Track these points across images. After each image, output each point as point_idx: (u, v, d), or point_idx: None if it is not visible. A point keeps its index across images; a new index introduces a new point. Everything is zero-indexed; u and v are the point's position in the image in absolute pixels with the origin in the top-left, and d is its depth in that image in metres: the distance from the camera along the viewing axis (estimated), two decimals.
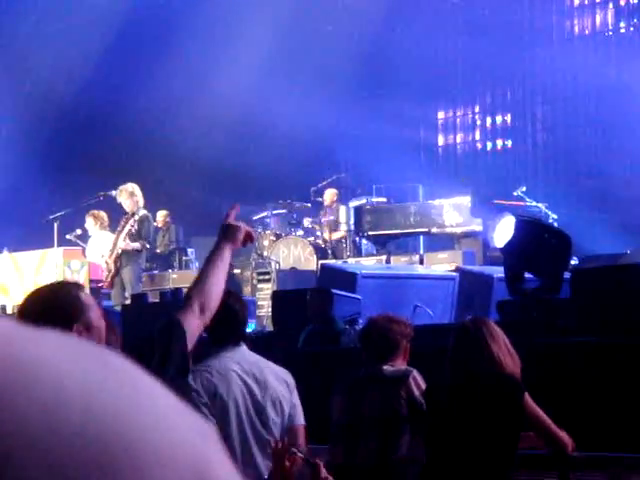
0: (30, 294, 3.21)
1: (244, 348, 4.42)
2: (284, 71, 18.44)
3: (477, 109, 20.36)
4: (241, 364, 4.34)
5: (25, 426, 0.52)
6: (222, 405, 4.23)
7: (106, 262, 11.93)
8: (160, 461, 0.54)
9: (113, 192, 12.99)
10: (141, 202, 12.05)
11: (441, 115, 20.75)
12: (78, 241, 12.85)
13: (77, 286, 3.30)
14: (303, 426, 4.45)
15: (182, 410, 0.58)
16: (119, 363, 0.58)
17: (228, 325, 4.36)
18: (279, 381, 4.40)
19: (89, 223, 12.59)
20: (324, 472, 3.77)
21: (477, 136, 20.39)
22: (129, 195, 11.97)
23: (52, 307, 3.02)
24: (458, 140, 20.63)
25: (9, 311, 11.75)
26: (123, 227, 11.96)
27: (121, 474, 0.52)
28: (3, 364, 0.53)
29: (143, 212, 12.03)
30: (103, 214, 12.63)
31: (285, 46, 18.26)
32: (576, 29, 19.02)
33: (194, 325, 3.33)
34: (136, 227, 11.84)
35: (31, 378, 0.53)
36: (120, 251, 11.87)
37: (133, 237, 11.88)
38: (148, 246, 12.12)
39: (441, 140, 20.81)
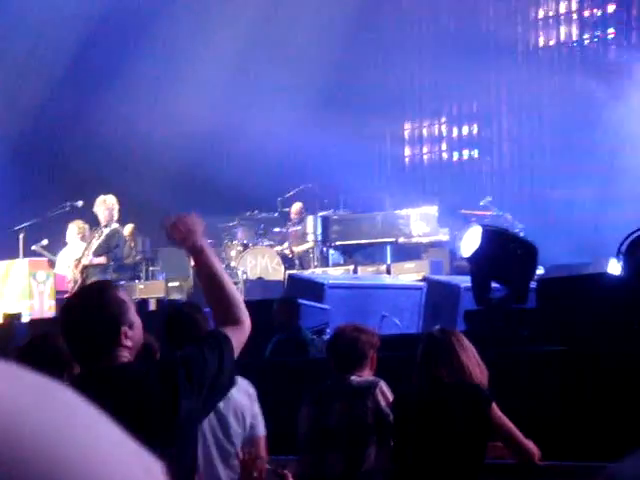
0: (74, 297, 3.23)
1: None
2: (250, 83, 18.45)
3: (443, 119, 20.44)
4: None
5: None
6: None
7: (72, 272, 11.87)
8: None
9: (79, 203, 12.94)
10: (116, 215, 12.01)
11: (407, 127, 20.82)
12: (44, 252, 12.78)
13: (117, 287, 3.33)
14: (264, 437, 4.44)
15: (124, 445, 0.57)
16: (63, 396, 0.56)
17: (186, 336, 4.34)
18: (240, 391, 4.39)
19: (71, 230, 12.53)
20: None
21: (443, 147, 20.47)
22: (106, 207, 11.93)
23: (100, 310, 3.08)
24: (425, 151, 20.71)
25: None
26: (92, 240, 11.91)
27: None
28: None
29: (115, 226, 11.99)
30: (86, 225, 12.57)
31: (250, 59, 18.28)
32: (541, 41, 19.16)
33: (235, 339, 3.32)
34: (104, 240, 11.80)
35: None
36: (87, 262, 11.83)
37: (101, 249, 11.83)
38: (112, 263, 12.05)
39: (408, 151, 20.87)
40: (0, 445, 0.51)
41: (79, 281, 11.80)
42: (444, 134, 20.39)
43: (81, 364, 3.14)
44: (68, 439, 0.53)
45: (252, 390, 4.45)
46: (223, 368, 3.13)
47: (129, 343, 3.11)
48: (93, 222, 12.47)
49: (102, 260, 11.84)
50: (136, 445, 0.57)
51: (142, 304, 11.08)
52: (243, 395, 4.39)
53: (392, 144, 20.75)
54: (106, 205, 11.95)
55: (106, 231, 11.87)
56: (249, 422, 4.38)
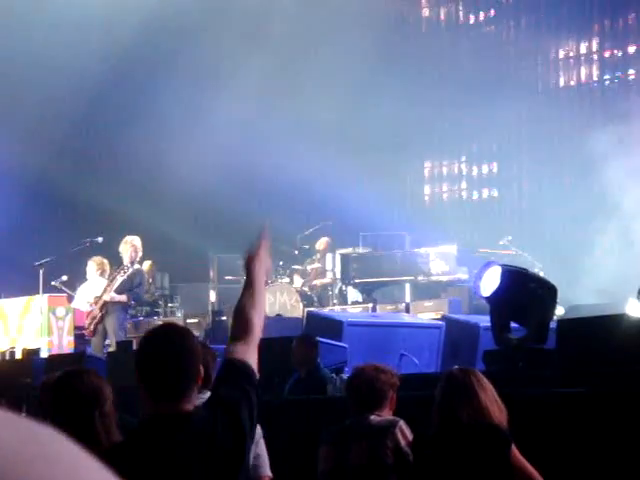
0: (157, 334, 3.27)
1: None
2: (270, 118, 18.53)
3: (463, 158, 20.47)
4: None
5: None
6: None
7: (92, 308, 11.92)
8: None
9: (99, 239, 13.00)
10: (139, 255, 12.16)
11: (428, 165, 20.85)
12: (64, 287, 12.82)
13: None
14: (269, 477, 4.40)
15: None
16: (46, 435, 0.56)
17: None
18: None
19: (90, 267, 12.59)
20: None
21: (463, 185, 20.49)
22: (132, 247, 12.07)
23: (186, 352, 3.15)
24: (444, 189, 20.72)
25: None
26: (115, 277, 11.98)
27: None
28: None
29: (137, 266, 12.14)
30: (105, 261, 12.63)
31: (272, 93, 18.37)
32: (561, 81, 19.20)
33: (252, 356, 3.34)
34: (128, 279, 11.90)
35: None
36: (108, 298, 11.90)
37: (123, 287, 11.90)
38: (133, 302, 12.17)
39: (427, 189, 20.89)
40: None
41: (97, 317, 11.85)
42: (464, 173, 20.41)
43: (153, 404, 3.10)
44: None
45: (257, 430, 4.42)
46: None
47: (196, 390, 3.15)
48: (113, 258, 12.52)
49: (123, 298, 11.90)
50: None
51: None
52: None
53: (412, 182, 20.78)
54: (131, 245, 12.07)
55: (130, 270, 11.96)
56: (251, 463, 4.35)
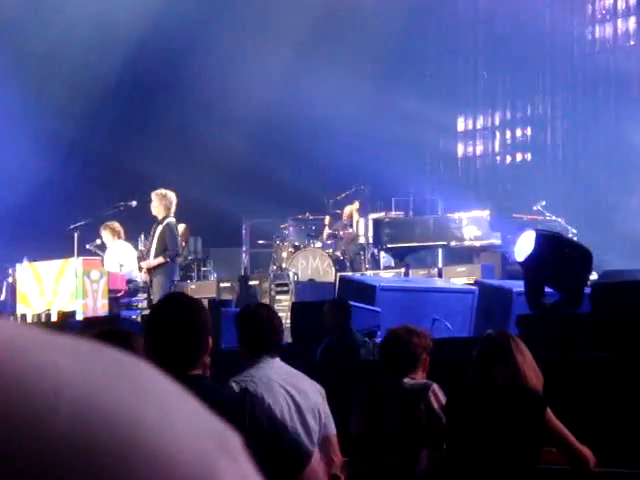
0: (167, 302, 3.38)
1: (279, 359, 4.45)
2: (301, 80, 18.48)
3: (497, 122, 20.33)
4: (280, 374, 4.38)
5: (13, 434, 0.51)
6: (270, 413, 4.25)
7: (141, 276, 12.08)
8: (153, 472, 0.53)
9: (133, 202, 13.04)
10: (172, 209, 12.01)
11: (461, 123, 20.66)
12: (98, 251, 12.89)
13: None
14: (335, 435, 4.49)
15: (198, 415, 0.57)
16: (133, 366, 0.57)
17: (266, 336, 4.40)
18: (315, 391, 4.46)
19: (105, 236, 12.63)
20: None
21: (497, 148, 20.35)
22: (159, 200, 11.96)
23: (194, 319, 3.26)
24: (478, 153, 20.59)
25: (29, 320, 11.77)
26: (153, 235, 11.99)
27: None
28: (2, 369, 0.53)
29: (168, 220, 11.99)
30: (118, 225, 12.66)
31: (310, 50, 18.29)
32: (597, 44, 18.99)
33: None
34: (159, 238, 11.87)
35: (29, 385, 0.52)
36: (145, 266, 11.94)
37: (157, 251, 11.90)
38: (169, 260, 12.03)
39: (460, 150, 20.75)
40: (69, 432, 0.51)
41: (148, 283, 11.98)
42: (497, 137, 20.28)
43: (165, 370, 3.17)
44: (139, 419, 0.53)
45: (323, 390, 4.52)
46: None
47: (207, 358, 3.19)
48: (147, 222, 12.53)
49: (160, 260, 11.88)
50: (213, 419, 0.58)
51: None
52: (317, 394, 4.46)
53: (445, 142, 20.59)
54: (159, 197, 11.98)
55: (159, 228, 11.93)
56: (323, 421, 4.44)
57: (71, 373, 0.54)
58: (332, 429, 4.47)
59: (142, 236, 12.29)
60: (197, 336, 3.19)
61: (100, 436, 0.52)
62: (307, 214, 15.99)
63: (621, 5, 18.62)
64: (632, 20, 18.54)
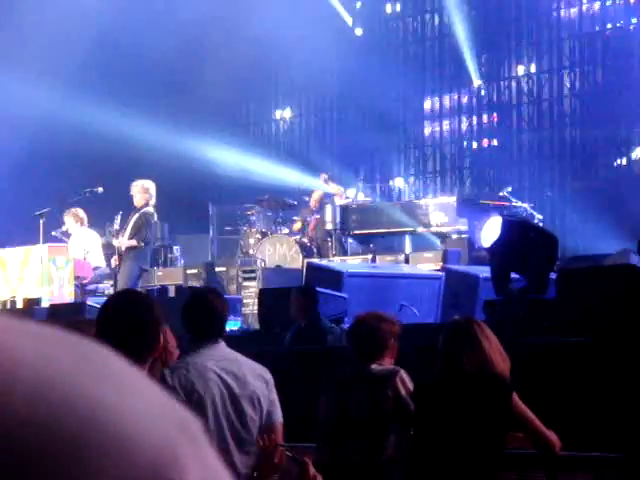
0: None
1: (222, 345, 4.40)
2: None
3: (464, 106, 20.36)
4: (219, 361, 4.33)
5: None
6: (199, 402, 4.21)
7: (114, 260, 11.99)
8: (112, 453, 0.53)
9: (99, 189, 12.97)
10: (152, 201, 11.96)
11: (427, 105, 20.64)
12: (64, 237, 12.81)
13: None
14: (281, 423, 4.43)
15: (159, 400, 0.57)
16: (95, 352, 0.57)
17: (206, 322, 4.36)
18: (257, 378, 4.39)
19: (69, 222, 12.55)
20: (312, 470, 3.76)
21: (463, 135, 20.38)
22: (142, 190, 11.90)
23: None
24: (445, 132, 20.54)
25: None
26: (128, 222, 11.92)
27: (60, 466, 0.51)
28: None
29: (147, 209, 11.94)
30: (82, 212, 12.59)
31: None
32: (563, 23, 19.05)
33: None
34: (135, 222, 11.79)
35: None
36: (117, 244, 11.84)
37: (131, 233, 11.83)
38: (142, 244, 11.96)
39: (428, 130, 20.73)
40: (25, 412, 0.52)
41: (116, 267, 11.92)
42: (464, 124, 20.31)
43: None
44: (98, 401, 0.54)
45: (269, 376, 4.44)
46: None
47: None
48: (112, 208, 12.45)
49: (133, 242, 11.81)
50: (175, 405, 0.58)
51: (161, 291, 11.09)
52: (259, 381, 4.38)
53: (412, 128, 20.57)
54: (141, 188, 11.92)
55: (136, 216, 11.87)
56: (266, 409, 4.37)
57: (31, 355, 0.54)
58: (277, 417, 4.41)
59: (118, 217, 12.16)
60: (142, 334, 3.27)
61: (57, 416, 0.52)
62: (274, 200, 15.96)
63: None
64: (597, 5, 18.64)
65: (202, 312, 4.40)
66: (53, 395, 0.53)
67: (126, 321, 3.32)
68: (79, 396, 0.53)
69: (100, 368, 0.56)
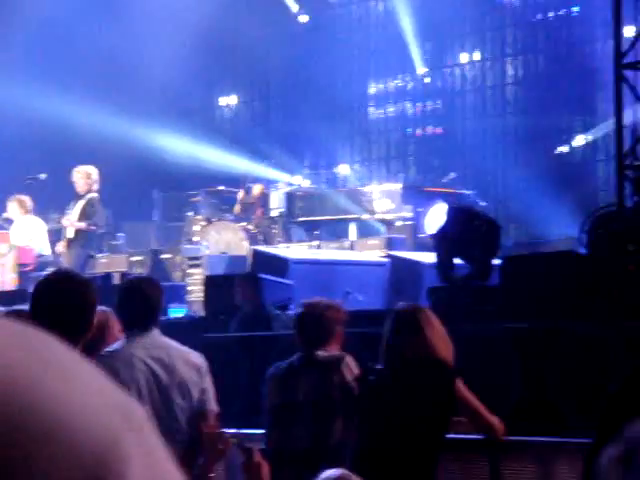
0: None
1: (155, 333, 4.39)
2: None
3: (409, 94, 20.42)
4: (148, 349, 4.32)
5: None
6: (124, 390, 4.21)
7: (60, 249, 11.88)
8: (56, 437, 0.53)
9: (42, 175, 12.84)
10: (95, 186, 11.88)
11: (372, 91, 20.67)
12: (5, 225, 12.67)
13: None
14: (214, 411, 4.41)
15: (103, 388, 0.58)
16: (37, 339, 0.57)
17: (138, 310, 4.36)
18: (188, 365, 4.37)
19: (12, 208, 12.42)
20: (258, 457, 3.78)
21: (408, 122, 20.45)
22: (85, 176, 11.81)
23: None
24: (389, 118, 20.57)
25: None
26: (72, 209, 11.82)
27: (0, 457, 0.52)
28: None
29: (92, 195, 11.86)
30: (28, 199, 12.48)
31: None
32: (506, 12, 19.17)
33: None
34: (83, 208, 11.71)
35: None
36: (72, 233, 11.72)
37: (80, 217, 11.75)
38: (94, 228, 11.89)
39: (373, 113, 20.75)
40: None
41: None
42: (409, 110, 20.38)
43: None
44: (39, 388, 0.54)
45: (202, 362, 4.41)
46: None
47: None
48: (56, 196, 12.35)
49: (82, 225, 11.72)
50: (118, 393, 0.58)
51: (105, 278, 11.01)
52: (190, 369, 4.36)
53: (358, 115, 20.59)
54: (84, 174, 11.84)
55: (83, 200, 11.78)
56: (197, 397, 4.36)
57: None
58: (210, 405, 4.40)
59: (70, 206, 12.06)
60: (76, 316, 3.26)
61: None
62: (219, 188, 15.92)
63: None
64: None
65: (134, 300, 4.39)
66: None
67: (60, 302, 3.31)
68: (19, 383, 0.53)
69: (42, 355, 0.56)
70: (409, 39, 19.07)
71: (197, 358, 4.42)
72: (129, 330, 4.38)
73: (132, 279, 4.94)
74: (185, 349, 4.44)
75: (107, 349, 4.30)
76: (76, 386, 0.56)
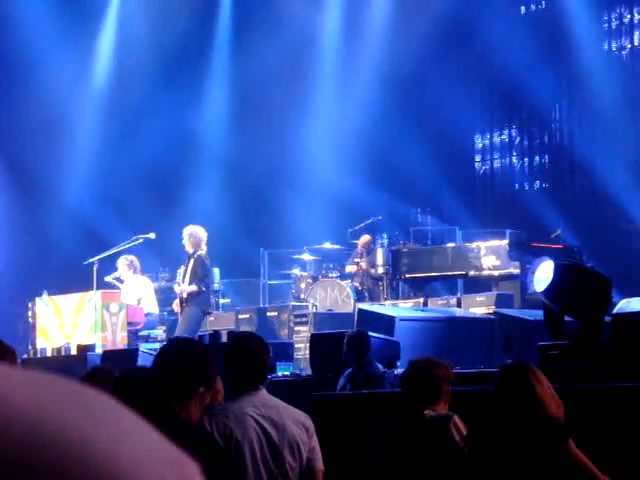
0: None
1: (263, 392, 4.43)
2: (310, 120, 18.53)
3: (514, 151, 20.32)
4: (259, 407, 4.35)
5: None
6: (237, 449, 4.23)
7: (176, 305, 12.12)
8: None
9: (152, 235, 13.09)
10: (202, 245, 12.06)
11: (479, 140, 20.60)
12: (117, 284, 12.93)
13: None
14: (322, 471, 4.42)
15: (155, 444, 0.59)
16: (91, 397, 0.59)
17: (248, 368, 4.39)
18: (297, 425, 4.39)
19: (122, 269, 12.69)
20: None
21: (515, 177, 20.31)
22: (187, 237, 12.04)
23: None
24: (496, 180, 20.50)
25: (49, 353, 11.79)
26: (185, 269, 12.03)
27: None
28: None
29: (199, 253, 12.04)
30: (135, 259, 12.74)
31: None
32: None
33: None
34: (192, 268, 11.90)
35: None
36: (184, 295, 11.92)
37: (191, 278, 11.93)
38: (204, 288, 12.06)
39: (479, 180, 20.70)
40: (18, 455, 0.54)
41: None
42: (516, 165, 20.24)
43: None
44: (90, 442, 0.56)
45: (309, 423, 4.44)
46: None
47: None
48: (165, 254, 12.56)
49: (193, 288, 11.90)
50: (171, 448, 0.59)
51: (214, 336, 11.12)
52: (299, 428, 4.39)
53: (464, 172, 20.54)
54: (187, 235, 12.06)
55: (191, 262, 11.97)
56: (305, 456, 4.37)
57: (25, 402, 0.56)
58: (318, 464, 4.41)
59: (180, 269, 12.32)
60: (189, 383, 3.39)
61: (48, 458, 0.54)
62: (325, 245, 16.00)
63: None
64: None
65: (243, 359, 4.42)
66: (45, 438, 0.55)
67: (178, 371, 3.42)
68: (71, 438, 0.55)
69: (94, 412, 0.58)
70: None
71: (304, 417, 4.45)
72: (238, 388, 4.41)
73: (240, 337, 4.98)
74: (292, 408, 4.46)
75: (218, 407, 4.33)
76: (126, 439, 0.57)
